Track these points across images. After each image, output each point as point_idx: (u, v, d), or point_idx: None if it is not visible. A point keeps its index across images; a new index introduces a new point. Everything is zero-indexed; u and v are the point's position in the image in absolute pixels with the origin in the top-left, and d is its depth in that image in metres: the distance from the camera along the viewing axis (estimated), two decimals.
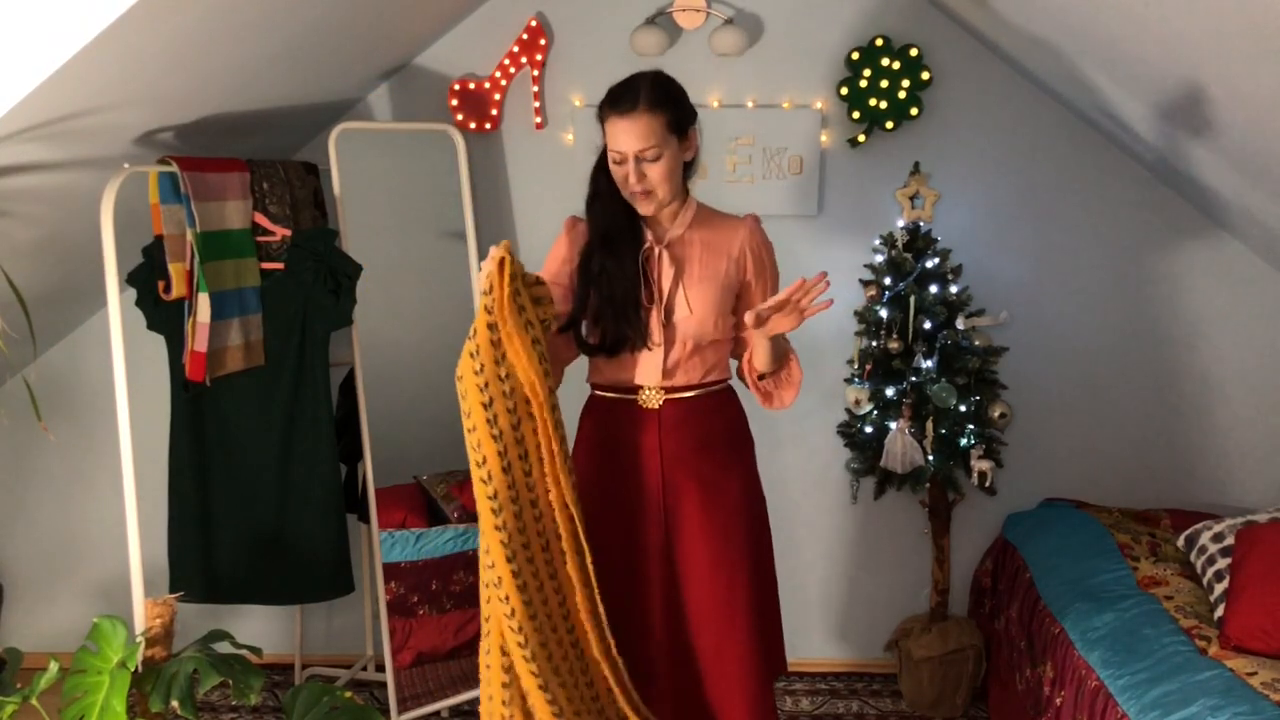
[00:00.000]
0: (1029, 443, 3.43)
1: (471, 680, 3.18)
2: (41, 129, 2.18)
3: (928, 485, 3.22)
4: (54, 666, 2.15)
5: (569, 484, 2.05)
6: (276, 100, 2.91)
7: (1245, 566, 2.57)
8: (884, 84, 3.21)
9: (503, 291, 1.94)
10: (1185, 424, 3.43)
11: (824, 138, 3.31)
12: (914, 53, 3.20)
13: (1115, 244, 3.36)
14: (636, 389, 2.21)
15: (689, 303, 2.16)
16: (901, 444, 3.04)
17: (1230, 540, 2.73)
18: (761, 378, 2.22)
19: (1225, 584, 2.61)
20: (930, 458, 3.06)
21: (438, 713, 3.19)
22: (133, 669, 2.19)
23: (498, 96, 3.30)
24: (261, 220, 2.86)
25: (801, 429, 3.44)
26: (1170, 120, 2.68)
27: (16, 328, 2.45)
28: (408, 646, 3.18)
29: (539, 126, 3.34)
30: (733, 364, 2.32)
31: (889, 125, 3.25)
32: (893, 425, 3.06)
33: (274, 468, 2.92)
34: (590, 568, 2.08)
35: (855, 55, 3.21)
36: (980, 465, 3.07)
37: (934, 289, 3.06)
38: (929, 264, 3.07)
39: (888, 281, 3.09)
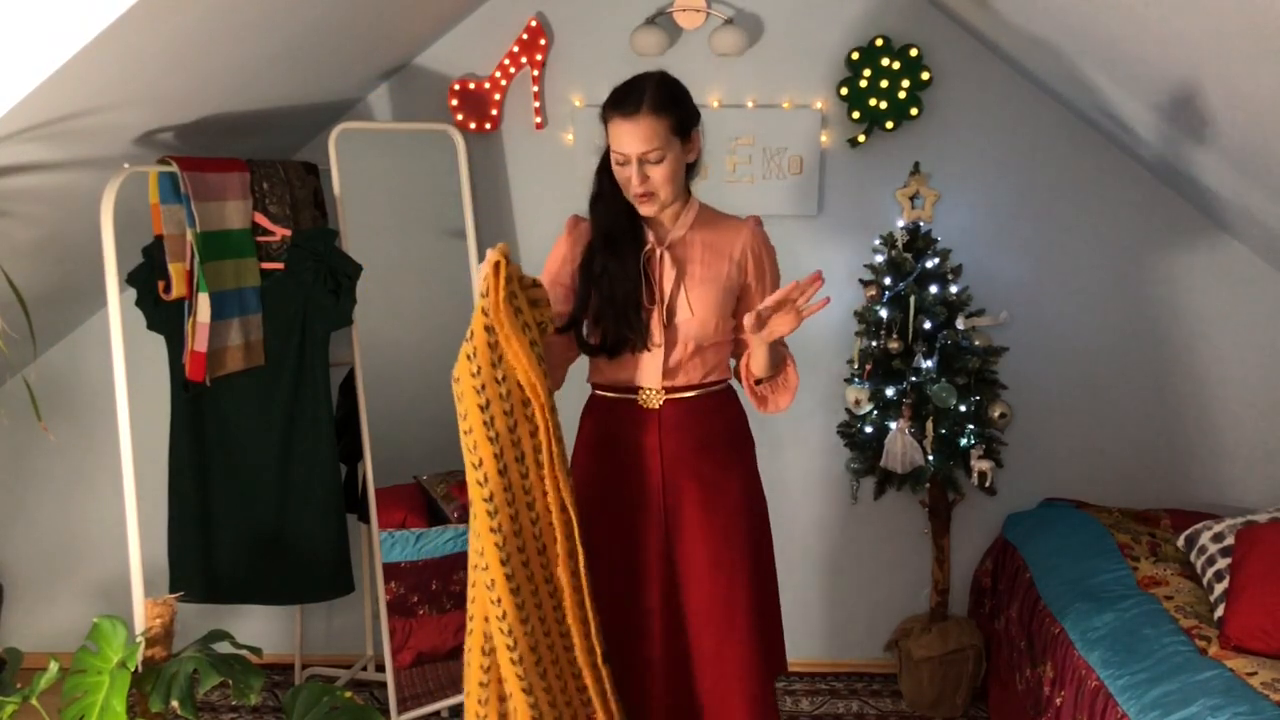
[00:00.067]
0: (1029, 443, 3.43)
1: None
2: (41, 129, 2.18)
3: (928, 485, 3.22)
4: (54, 666, 2.15)
5: (567, 486, 2.05)
6: (276, 100, 2.91)
7: (1245, 566, 2.57)
8: (884, 84, 3.21)
9: (498, 294, 1.94)
10: (1185, 424, 3.43)
11: (824, 138, 3.31)
12: (914, 53, 3.20)
13: (1115, 244, 3.36)
14: (637, 389, 2.21)
15: (690, 305, 2.16)
16: (901, 444, 3.04)
17: (1230, 540, 2.73)
18: (758, 382, 2.22)
19: (1225, 584, 2.61)
20: (930, 458, 3.06)
21: (438, 713, 3.19)
22: (133, 669, 2.19)
23: (498, 96, 3.30)
24: (261, 220, 2.86)
25: (801, 429, 3.44)
26: (1170, 120, 2.68)
27: (16, 328, 2.45)
28: (408, 646, 3.18)
29: (539, 126, 3.34)
30: (732, 363, 2.32)
31: (889, 125, 3.25)
32: (893, 425, 3.06)
33: (274, 468, 2.92)
34: (583, 572, 2.08)
35: (855, 55, 3.21)
36: (980, 465, 3.07)
37: (934, 289, 3.06)
38: (929, 264, 3.07)
39: (888, 281, 3.09)
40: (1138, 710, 2.27)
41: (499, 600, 1.99)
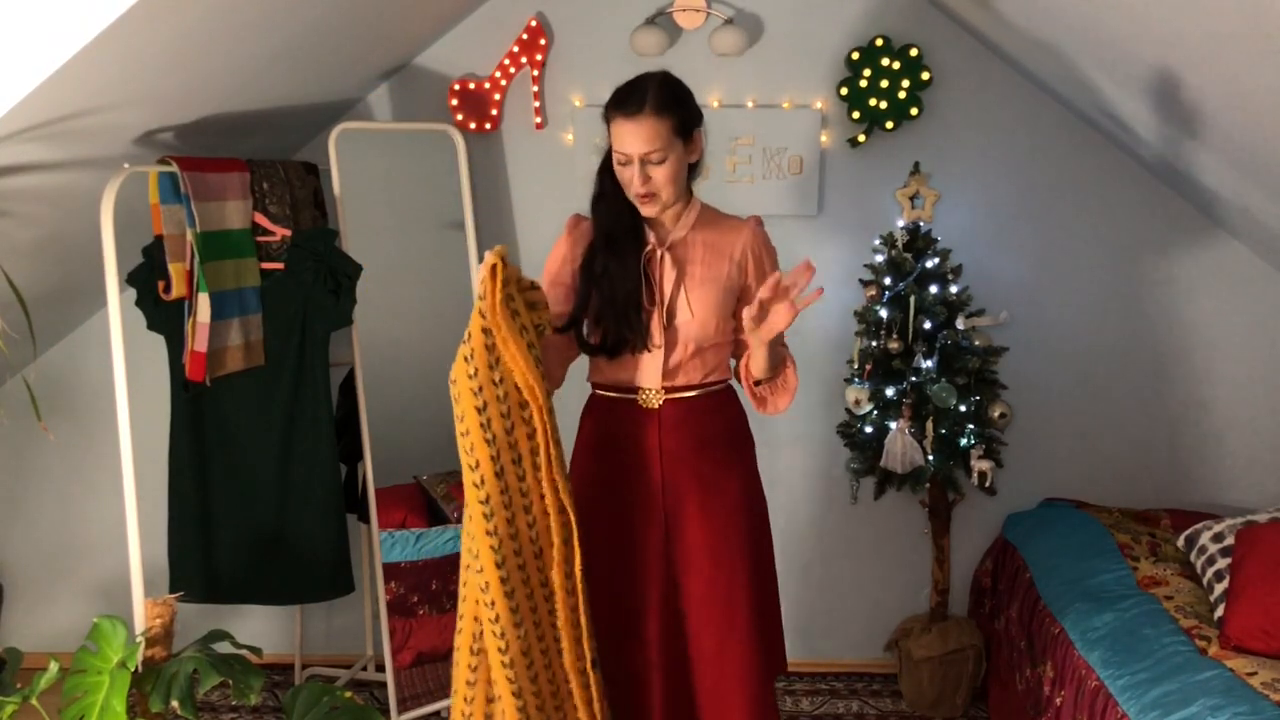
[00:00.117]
0: (1029, 443, 3.43)
1: None
2: (41, 129, 2.18)
3: (928, 485, 3.22)
4: (54, 666, 2.15)
5: (565, 489, 2.05)
6: (276, 100, 2.91)
7: (1245, 567, 2.57)
8: (884, 84, 3.21)
9: (495, 297, 1.94)
10: (1185, 424, 3.43)
11: (824, 138, 3.31)
12: (914, 53, 3.20)
13: (1115, 244, 3.36)
14: (637, 389, 2.21)
15: (690, 306, 2.16)
16: (901, 444, 3.04)
17: (1230, 540, 2.73)
18: (758, 384, 2.22)
19: (1225, 584, 2.61)
20: (930, 458, 3.06)
21: (438, 713, 3.19)
22: (133, 669, 2.19)
23: (498, 96, 3.30)
24: (261, 220, 2.86)
25: (801, 429, 3.44)
26: (1170, 120, 2.68)
27: (16, 328, 2.45)
28: (408, 646, 3.19)
29: (539, 126, 3.34)
30: (732, 364, 2.32)
31: (889, 125, 3.25)
32: (893, 425, 3.06)
33: (274, 468, 2.92)
34: (579, 575, 2.08)
35: (855, 55, 3.21)
36: (980, 465, 3.07)
37: (934, 289, 3.06)
38: (929, 264, 3.07)
39: (888, 281, 3.09)
40: (1138, 710, 2.27)
41: (493, 603, 1.99)
